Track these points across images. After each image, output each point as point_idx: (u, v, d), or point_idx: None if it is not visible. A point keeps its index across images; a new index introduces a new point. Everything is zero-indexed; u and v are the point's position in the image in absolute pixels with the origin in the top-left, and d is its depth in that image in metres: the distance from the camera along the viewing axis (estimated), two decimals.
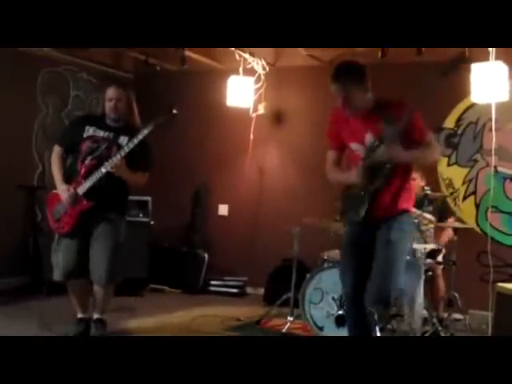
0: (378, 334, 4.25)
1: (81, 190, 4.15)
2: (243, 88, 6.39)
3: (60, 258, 4.24)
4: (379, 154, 3.27)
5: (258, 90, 6.54)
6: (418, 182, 5.14)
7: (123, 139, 4.20)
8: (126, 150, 4.08)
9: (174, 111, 4.24)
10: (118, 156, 4.07)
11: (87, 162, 4.19)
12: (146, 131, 4.09)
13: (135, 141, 4.07)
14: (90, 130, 4.28)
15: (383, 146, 3.25)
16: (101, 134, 4.26)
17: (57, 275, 4.27)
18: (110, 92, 4.29)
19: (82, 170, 4.19)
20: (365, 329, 3.50)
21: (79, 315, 4.38)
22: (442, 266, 4.89)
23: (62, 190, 4.19)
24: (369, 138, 3.37)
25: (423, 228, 4.99)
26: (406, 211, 3.48)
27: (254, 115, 6.61)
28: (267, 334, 4.77)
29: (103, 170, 4.09)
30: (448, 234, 5.14)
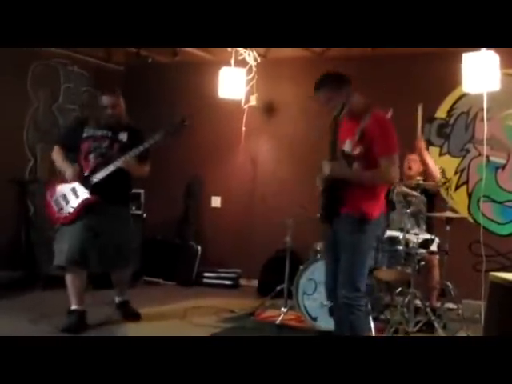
0: (372, 324, 4.30)
1: (95, 178, 4.37)
2: (235, 79, 6.36)
3: (65, 245, 4.33)
4: (324, 168, 3.47)
5: (249, 81, 6.52)
6: (415, 164, 5.15)
7: (122, 135, 4.49)
8: (137, 152, 4.37)
9: (186, 123, 4.48)
10: (132, 154, 4.36)
11: (91, 159, 4.43)
12: (156, 137, 4.38)
13: (146, 145, 4.37)
14: (88, 131, 4.50)
15: (330, 163, 3.43)
16: (99, 133, 4.49)
17: (60, 261, 4.36)
18: (106, 100, 4.48)
19: (87, 167, 4.42)
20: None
21: (73, 307, 4.39)
22: (437, 257, 4.90)
23: (72, 171, 4.40)
24: (347, 145, 3.44)
25: (414, 209, 4.96)
26: (367, 215, 3.45)
27: (246, 107, 6.61)
28: (261, 326, 4.78)
29: (117, 164, 4.34)
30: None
